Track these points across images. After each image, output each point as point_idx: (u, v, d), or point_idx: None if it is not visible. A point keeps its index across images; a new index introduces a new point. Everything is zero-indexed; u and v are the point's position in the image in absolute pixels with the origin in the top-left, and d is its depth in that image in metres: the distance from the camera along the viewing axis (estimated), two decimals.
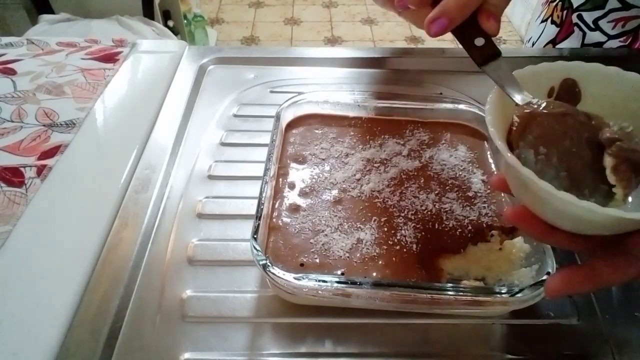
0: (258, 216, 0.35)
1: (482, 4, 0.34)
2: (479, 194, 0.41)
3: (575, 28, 0.70)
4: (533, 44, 0.79)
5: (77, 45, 0.65)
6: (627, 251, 0.25)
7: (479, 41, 0.34)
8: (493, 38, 0.35)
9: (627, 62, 0.65)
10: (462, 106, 0.48)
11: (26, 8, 1.55)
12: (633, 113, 0.30)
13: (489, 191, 0.41)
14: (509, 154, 0.26)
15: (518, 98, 0.30)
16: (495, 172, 0.43)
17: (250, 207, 0.43)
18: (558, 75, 0.33)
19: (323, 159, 0.45)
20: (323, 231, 0.38)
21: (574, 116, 0.28)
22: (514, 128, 0.29)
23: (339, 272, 0.35)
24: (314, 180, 0.42)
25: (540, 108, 0.29)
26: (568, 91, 0.33)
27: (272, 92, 0.59)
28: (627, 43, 0.67)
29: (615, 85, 0.32)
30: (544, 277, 0.32)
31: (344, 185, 0.42)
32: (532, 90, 0.31)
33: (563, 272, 0.26)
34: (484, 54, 0.34)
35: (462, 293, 0.32)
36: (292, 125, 0.48)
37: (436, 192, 0.41)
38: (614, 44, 0.67)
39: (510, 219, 0.28)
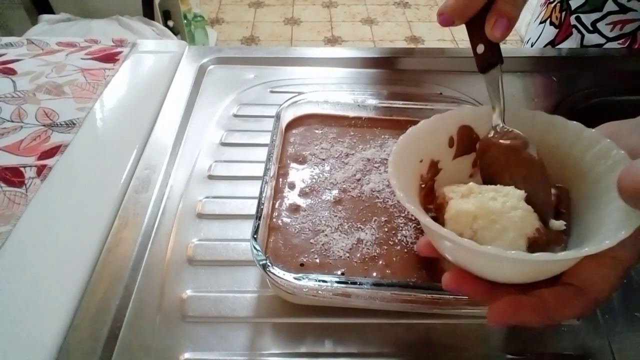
0: (258, 216, 0.35)
1: (494, 4, 0.30)
2: None
3: (574, 30, 0.70)
4: (532, 45, 0.79)
5: (77, 45, 0.65)
6: (575, 284, 0.24)
7: (480, 48, 0.31)
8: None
9: (625, 63, 0.65)
10: (462, 106, 0.48)
11: (26, 8, 1.55)
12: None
13: None
14: (426, 218, 0.25)
15: (493, 119, 0.31)
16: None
17: (250, 207, 0.43)
18: (453, 123, 0.32)
19: (323, 159, 0.45)
20: (323, 231, 0.38)
21: (518, 152, 0.29)
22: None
23: (339, 272, 0.35)
24: (314, 180, 0.42)
25: (495, 136, 0.30)
26: (466, 138, 0.33)
27: (272, 92, 0.59)
28: (625, 45, 0.67)
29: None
30: None
31: (344, 186, 0.42)
32: (432, 142, 0.32)
33: (510, 299, 0.24)
34: (481, 61, 0.32)
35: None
36: (292, 125, 0.48)
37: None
38: (612, 46, 0.67)
39: (450, 286, 0.26)
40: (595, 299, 0.24)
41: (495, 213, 0.26)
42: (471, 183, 0.29)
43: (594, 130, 0.29)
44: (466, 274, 0.26)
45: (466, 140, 0.33)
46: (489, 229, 0.26)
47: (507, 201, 0.27)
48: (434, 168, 0.33)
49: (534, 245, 0.26)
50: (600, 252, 0.22)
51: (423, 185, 0.32)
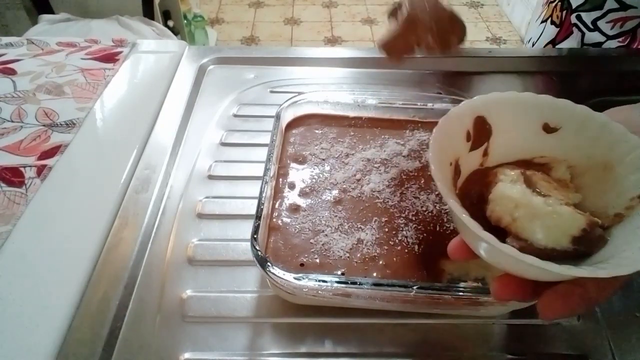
0: (258, 216, 0.35)
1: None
2: None
3: (574, 28, 0.70)
4: (533, 44, 0.79)
5: (77, 45, 0.65)
6: None
7: None
8: None
9: (625, 63, 0.65)
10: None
11: (26, 8, 1.55)
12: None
13: None
14: (474, 227, 0.24)
15: None
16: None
17: (250, 207, 0.43)
18: (468, 116, 0.32)
19: (323, 159, 0.45)
20: (323, 231, 0.38)
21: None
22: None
23: (339, 272, 0.35)
24: (314, 180, 0.42)
25: None
26: (481, 130, 0.32)
27: (272, 92, 0.59)
28: (625, 43, 0.67)
29: (515, 108, 0.31)
30: None
31: (344, 186, 0.42)
32: (455, 141, 0.31)
33: (558, 292, 0.25)
34: None
35: (462, 293, 0.32)
36: (292, 125, 0.48)
37: (436, 192, 0.41)
38: (612, 44, 0.68)
39: (501, 296, 0.26)
40: (623, 282, 0.25)
41: (535, 208, 0.26)
42: (525, 171, 0.29)
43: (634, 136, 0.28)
44: (510, 279, 0.26)
45: (481, 131, 0.32)
46: (530, 222, 0.26)
47: (550, 200, 0.27)
48: (458, 168, 0.32)
49: (579, 243, 0.26)
50: None
51: (457, 192, 0.31)
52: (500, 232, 0.28)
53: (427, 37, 0.26)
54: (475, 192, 0.30)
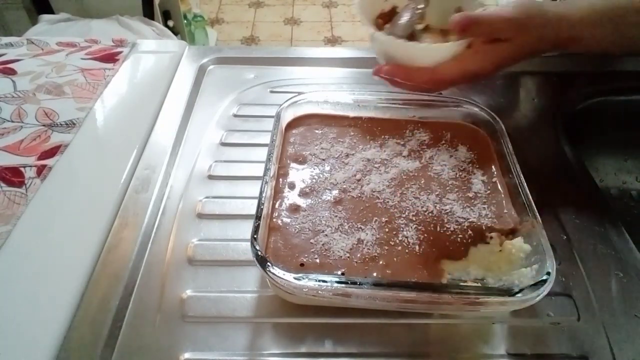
0: (258, 216, 0.35)
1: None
2: (479, 195, 0.41)
3: None
4: None
5: (77, 45, 0.65)
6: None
7: None
8: None
9: (625, 63, 0.65)
10: (462, 106, 0.48)
11: (26, 8, 1.55)
12: None
13: (488, 192, 0.41)
14: (372, 30, 0.43)
15: None
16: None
17: (250, 207, 0.43)
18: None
19: (323, 159, 0.45)
20: (323, 231, 0.38)
21: None
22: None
23: (339, 272, 0.35)
24: (314, 180, 0.42)
25: None
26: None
27: (272, 92, 0.59)
28: None
29: None
30: (544, 277, 0.32)
31: (344, 186, 0.42)
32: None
33: (394, 66, 0.44)
34: None
35: (462, 293, 0.32)
36: (292, 125, 0.48)
37: (437, 193, 0.41)
38: None
39: (384, 74, 0.44)
40: (441, 80, 0.44)
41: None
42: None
43: None
44: (394, 68, 0.44)
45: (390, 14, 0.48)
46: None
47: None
48: (392, 14, 0.45)
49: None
50: (455, 57, 0.43)
51: (380, 21, 0.47)
52: None
53: None
54: None
